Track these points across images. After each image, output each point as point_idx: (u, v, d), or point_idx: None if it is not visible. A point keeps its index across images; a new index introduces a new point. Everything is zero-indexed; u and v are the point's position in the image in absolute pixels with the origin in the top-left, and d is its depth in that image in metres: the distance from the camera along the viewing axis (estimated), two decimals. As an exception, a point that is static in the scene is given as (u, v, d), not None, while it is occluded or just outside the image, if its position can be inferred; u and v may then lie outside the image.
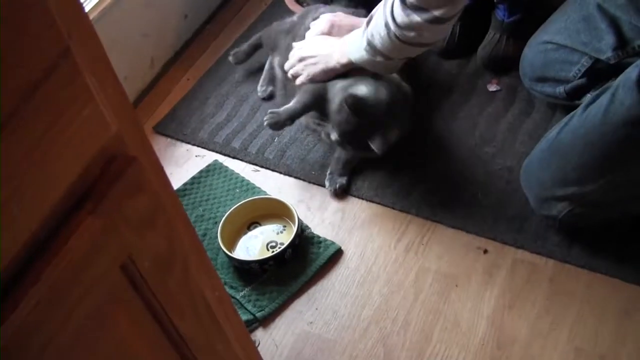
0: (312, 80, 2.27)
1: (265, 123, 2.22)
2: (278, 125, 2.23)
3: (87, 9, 2.46)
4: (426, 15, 1.90)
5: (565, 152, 1.98)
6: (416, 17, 1.91)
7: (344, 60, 2.19)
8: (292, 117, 2.22)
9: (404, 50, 2.04)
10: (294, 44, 2.37)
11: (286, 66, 2.35)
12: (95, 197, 0.88)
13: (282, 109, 2.22)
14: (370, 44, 2.07)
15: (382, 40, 2.03)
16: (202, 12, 3.00)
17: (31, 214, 0.80)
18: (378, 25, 2.02)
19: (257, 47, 2.67)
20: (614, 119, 1.85)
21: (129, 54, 2.64)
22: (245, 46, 2.69)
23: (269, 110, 2.22)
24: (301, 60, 2.29)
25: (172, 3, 2.85)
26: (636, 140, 1.85)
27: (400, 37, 1.98)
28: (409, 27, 1.94)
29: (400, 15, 1.93)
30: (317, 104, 2.24)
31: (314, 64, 2.26)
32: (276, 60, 2.50)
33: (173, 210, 1.05)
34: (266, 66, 2.63)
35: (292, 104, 2.23)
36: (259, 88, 2.64)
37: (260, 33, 2.67)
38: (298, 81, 2.30)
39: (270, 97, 2.61)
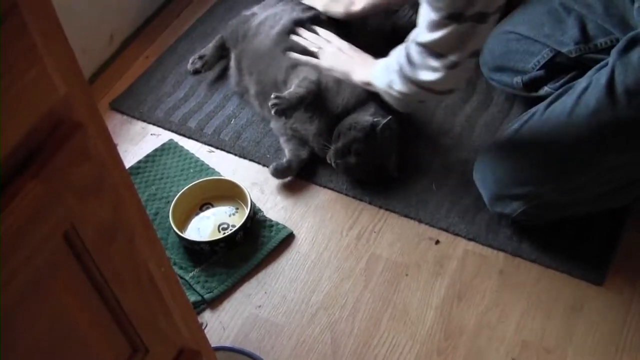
0: (322, 69, 2.31)
1: (272, 110, 2.16)
2: (287, 111, 2.17)
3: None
4: (440, 61, 1.86)
5: (524, 151, 1.98)
6: (431, 61, 1.87)
7: (366, 80, 2.19)
8: (300, 103, 2.18)
9: (419, 95, 2.00)
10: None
11: (313, 38, 2.38)
12: (39, 161, 0.86)
13: (286, 94, 2.17)
14: (390, 86, 2.05)
15: (401, 84, 2.01)
16: (165, -10, 2.97)
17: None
18: (392, 67, 2.02)
19: (221, 48, 2.61)
20: (578, 121, 1.86)
21: (88, 27, 2.59)
22: (210, 50, 2.63)
23: (274, 95, 2.16)
24: (339, 50, 2.32)
25: (135, -21, 2.82)
26: (599, 143, 1.86)
27: (414, 81, 1.95)
28: (422, 68, 1.91)
29: (416, 57, 1.90)
30: (318, 93, 2.23)
31: (343, 62, 2.29)
32: (243, 63, 2.47)
33: (119, 180, 1.03)
34: (214, 42, 2.62)
35: (296, 89, 2.20)
36: (190, 60, 2.63)
37: (222, 33, 2.63)
38: (303, 60, 2.33)
39: (197, 72, 2.61)
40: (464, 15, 1.73)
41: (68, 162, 0.89)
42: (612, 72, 1.81)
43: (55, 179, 0.87)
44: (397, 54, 1.99)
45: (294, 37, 2.37)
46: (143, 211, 1.14)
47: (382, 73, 2.08)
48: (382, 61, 2.11)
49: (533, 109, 2.00)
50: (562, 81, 2.13)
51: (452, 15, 1.73)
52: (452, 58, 1.82)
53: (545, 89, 2.18)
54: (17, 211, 0.83)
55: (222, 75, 2.59)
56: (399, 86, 2.00)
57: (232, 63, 2.51)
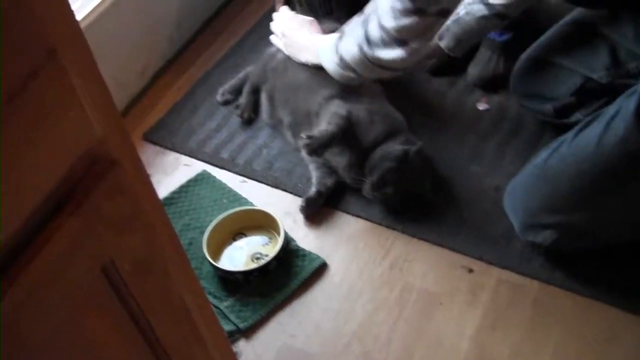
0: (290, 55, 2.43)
1: (304, 150, 2.18)
2: (319, 150, 2.19)
3: (81, 15, 2.45)
4: (403, 45, 1.92)
5: (553, 179, 1.98)
6: (393, 44, 1.94)
7: (314, 60, 2.28)
8: (332, 140, 2.19)
9: (375, 72, 2.08)
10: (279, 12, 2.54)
11: (273, 29, 2.51)
12: (76, 198, 0.88)
13: (317, 132, 2.18)
14: (342, 59, 2.10)
15: (355, 59, 2.06)
16: (196, 22, 3.00)
17: (12, 214, 0.80)
18: (350, 43, 2.06)
19: (253, 91, 2.62)
20: (607, 149, 1.85)
21: (121, 60, 2.63)
22: (245, 96, 2.64)
23: (305, 135, 2.18)
24: (283, 35, 2.45)
25: (166, 11, 2.85)
26: (628, 171, 1.85)
27: (373, 60, 2.01)
28: (384, 50, 1.97)
29: (377, 38, 1.95)
30: (349, 129, 2.24)
31: (290, 46, 2.41)
32: (274, 98, 2.50)
33: (154, 214, 1.04)
34: (247, 89, 2.63)
35: (327, 126, 2.20)
36: (220, 91, 2.68)
37: (248, 70, 2.67)
38: (277, 44, 2.49)
39: (226, 103, 2.66)
40: (428, 11, 1.80)
41: (104, 198, 0.90)
42: None
43: (93, 215, 0.89)
44: (353, 32, 2.06)
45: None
46: (178, 243, 1.16)
47: (330, 51, 2.16)
48: (328, 39, 2.19)
49: (562, 137, 1.99)
50: (593, 107, 2.12)
51: (418, 9, 1.79)
52: (413, 45, 1.90)
53: (577, 116, 2.17)
54: (56, 247, 0.84)
55: (254, 106, 2.60)
56: (354, 63, 2.08)
57: (264, 98, 2.53)
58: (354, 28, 2.05)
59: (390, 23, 1.87)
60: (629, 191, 1.89)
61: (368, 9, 2.00)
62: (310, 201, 2.27)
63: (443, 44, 2.19)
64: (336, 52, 2.11)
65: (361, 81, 2.22)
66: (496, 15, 2.12)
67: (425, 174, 2.26)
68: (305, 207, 2.27)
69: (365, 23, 1.98)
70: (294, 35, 2.39)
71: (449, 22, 2.15)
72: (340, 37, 2.11)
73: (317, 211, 2.29)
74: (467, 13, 2.14)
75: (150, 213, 1.02)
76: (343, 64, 2.10)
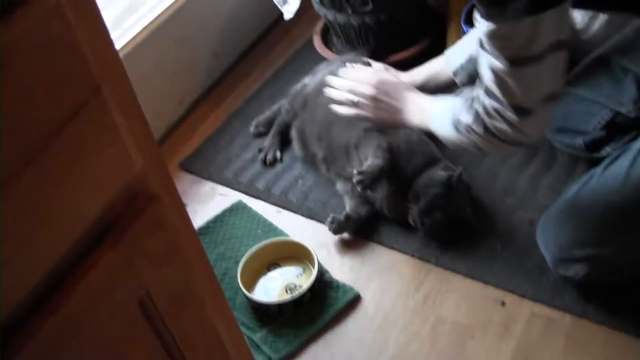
0: (373, 122, 2.28)
1: (358, 187, 2.19)
2: (372, 185, 2.21)
3: (121, 44, 2.50)
4: (513, 110, 1.76)
5: (583, 213, 1.98)
6: (504, 111, 1.77)
7: (424, 126, 2.12)
8: (382, 174, 2.21)
9: (492, 145, 1.90)
10: (370, 68, 2.42)
11: (351, 90, 2.27)
12: (116, 232, 0.90)
13: (367, 167, 2.20)
14: (462, 127, 1.93)
15: (474, 131, 1.89)
16: (233, 52, 3.04)
17: (53, 246, 0.82)
18: (468, 114, 1.90)
19: (280, 134, 2.64)
20: (635, 181, 1.85)
21: (159, 89, 2.67)
22: (268, 114, 2.71)
23: (356, 171, 2.19)
24: (374, 100, 2.21)
25: (204, 42, 2.89)
26: None
27: (492, 130, 1.84)
28: (500, 120, 1.81)
29: (489, 107, 1.81)
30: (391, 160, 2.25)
31: (386, 110, 2.21)
32: (307, 130, 2.51)
33: (192, 248, 1.06)
34: (273, 131, 2.64)
35: (374, 160, 2.22)
36: (253, 123, 2.70)
37: (282, 103, 2.67)
38: (351, 112, 2.26)
39: (259, 135, 2.68)
40: (522, 58, 1.68)
41: (143, 233, 0.92)
42: None
43: (132, 249, 0.91)
44: (466, 102, 1.90)
45: (329, 91, 2.34)
46: (213, 276, 1.18)
47: (444, 120, 2.00)
48: (440, 108, 2.05)
49: (592, 171, 2.00)
50: (623, 141, 2.13)
51: (510, 60, 1.68)
52: (525, 104, 1.74)
53: (607, 149, 2.17)
54: (94, 280, 0.86)
55: (289, 137, 2.62)
56: (470, 135, 1.90)
57: (294, 133, 2.55)
58: (467, 96, 1.93)
59: (497, 89, 1.75)
60: None
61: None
62: (337, 221, 2.29)
63: (457, 80, 2.20)
64: (453, 120, 1.95)
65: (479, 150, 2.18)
66: None
67: (467, 199, 2.28)
68: (331, 223, 2.29)
69: (475, 95, 1.86)
70: (393, 97, 2.21)
71: (463, 61, 2.16)
72: (457, 105, 1.96)
73: (342, 232, 2.31)
74: None
75: (188, 246, 1.04)
76: (464, 133, 1.94)
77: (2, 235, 0.74)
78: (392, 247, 2.27)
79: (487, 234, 2.26)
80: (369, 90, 2.22)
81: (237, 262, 2.20)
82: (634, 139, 2.04)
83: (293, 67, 2.96)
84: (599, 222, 1.95)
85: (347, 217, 2.30)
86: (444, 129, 2.01)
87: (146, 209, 0.93)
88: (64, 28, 0.79)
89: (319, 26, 3.05)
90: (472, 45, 2.14)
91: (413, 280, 2.19)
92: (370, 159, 2.23)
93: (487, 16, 1.64)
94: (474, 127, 1.85)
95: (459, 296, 2.13)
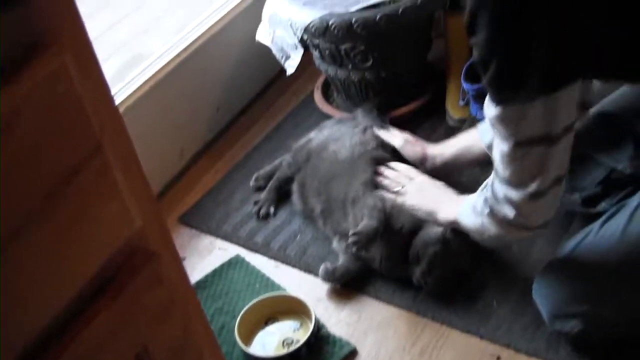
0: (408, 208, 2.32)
1: (354, 248, 2.21)
2: (367, 246, 2.23)
3: (123, 96, 2.53)
4: (522, 192, 1.81)
5: (580, 269, 2.00)
6: (513, 193, 1.83)
7: (453, 219, 2.17)
8: (377, 235, 2.22)
9: (514, 234, 1.96)
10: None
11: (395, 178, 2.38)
12: (115, 287, 0.91)
13: (362, 229, 2.21)
14: (482, 227, 2.01)
15: (489, 225, 1.96)
16: (234, 106, 3.07)
17: (54, 299, 0.84)
18: (478, 204, 1.99)
19: (279, 188, 2.66)
20: (631, 239, 1.87)
21: (160, 142, 2.70)
22: (268, 168, 2.74)
23: (351, 232, 2.21)
24: (411, 184, 2.34)
25: (205, 95, 2.93)
26: None
27: (508, 221, 1.90)
28: (506, 203, 1.86)
29: (500, 194, 1.87)
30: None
31: (419, 202, 2.29)
32: (307, 186, 2.53)
33: (190, 304, 1.08)
34: (271, 185, 2.67)
35: (369, 221, 2.24)
36: (254, 177, 2.72)
37: (283, 158, 2.70)
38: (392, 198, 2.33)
39: (259, 189, 2.69)
40: (531, 140, 1.72)
41: (142, 288, 0.94)
42: None
43: (130, 303, 0.93)
44: (483, 193, 1.96)
45: (378, 179, 2.40)
46: (210, 331, 1.19)
47: (470, 213, 2.05)
48: (468, 200, 2.09)
49: (588, 228, 2.02)
50: (618, 197, 2.15)
51: (520, 142, 1.73)
52: (533, 186, 1.78)
53: (603, 205, 2.20)
54: (93, 333, 0.88)
55: (289, 191, 2.63)
56: (492, 229, 1.96)
57: (295, 187, 2.57)
58: (484, 192, 1.98)
59: (507, 172, 1.80)
60: None
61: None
62: (327, 270, 2.32)
63: (484, 141, 2.24)
64: (473, 216, 2.04)
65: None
66: None
67: (467, 252, 2.28)
68: (322, 271, 2.32)
69: (491, 186, 1.91)
70: (433, 187, 2.33)
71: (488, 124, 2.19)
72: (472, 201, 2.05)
73: (332, 282, 2.34)
74: None
75: (186, 302, 1.06)
76: (478, 229, 2.04)
77: (3, 290, 0.76)
78: (388, 302, 2.28)
79: (484, 290, 2.27)
80: (418, 179, 2.36)
81: (234, 317, 2.21)
82: (630, 194, 2.06)
83: (294, 121, 2.99)
84: (595, 279, 1.96)
85: (335, 269, 2.33)
86: (471, 223, 2.06)
87: (145, 265, 0.95)
88: (67, 88, 0.81)
89: (320, 81, 3.09)
90: None
91: (409, 335, 2.19)
92: (365, 220, 2.25)
93: (498, 100, 1.67)
94: (487, 216, 1.93)
95: (455, 351, 2.14)
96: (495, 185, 1.86)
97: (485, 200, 1.92)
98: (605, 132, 2.26)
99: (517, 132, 1.71)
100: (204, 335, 1.14)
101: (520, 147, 1.73)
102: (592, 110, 2.33)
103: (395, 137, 2.53)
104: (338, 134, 2.56)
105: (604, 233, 1.96)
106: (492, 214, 1.91)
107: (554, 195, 1.83)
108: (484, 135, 2.21)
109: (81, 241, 0.85)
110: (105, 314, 0.90)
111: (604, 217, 2.00)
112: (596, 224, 2.00)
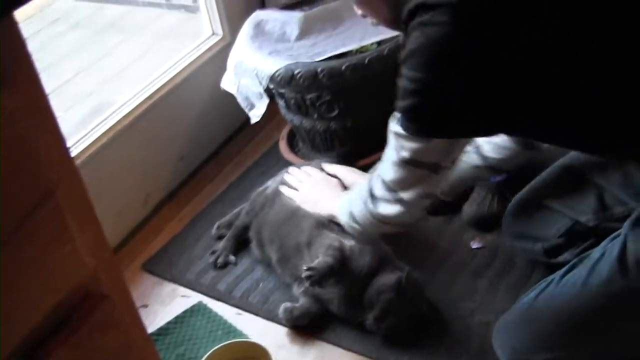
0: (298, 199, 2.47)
1: (307, 282, 2.22)
2: (321, 281, 2.22)
3: (86, 144, 2.53)
4: (395, 196, 1.98)
5: (539, 318, 2.01)
6: (388, 195, 1.99)
7: (331, 212, 2.33)
8: (331, 272, 2.23)
9: (377, 227, 2.12)
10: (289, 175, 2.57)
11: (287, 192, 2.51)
12: (67, 330, 0.91)
13: (317, 264, 2.22)
14: (351, 214, 2.17)
15: (361, 215, 2.13)
16: (199, 155, 3.09)
17: (4, 339, 0.84)
18: (357, 200, 2.13)
19: (238, 237, 2.69)
20: (591, 290, 1.88)
21: (124, 190, 2.71)
22: (230, 217, 2.76)
23: (305, 267, 2.22)
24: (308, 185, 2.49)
25: (170, 143, 2.94)
26: (612, 312, 1.88)
27: (375, 216, 2.06)
28: (383, 202, 2.02)
29: (379, 194, 2.02)
30: (342, 261, 2.28)
31: (311, 197, 2.46)
32: (264, 235, 2.55)
33: (145, 349, 1.07)
34: (230, 234, 2.69)
35: (325, 258, 2.25)
36: (215, 225, 2.74)
37: (244, 205, 2.72)
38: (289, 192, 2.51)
39: (221, 238, 2.71)
40: (421, 163, 1.86)
41: (96, 331, 0.94)
42: (625, 242, 1.85)
43: (83, 346, 0.93)
44: (361, 189, 2.11)
45: (285, 176, 2.55)
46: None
47: (346, 206, 2.21)
48: (347, 194, 2.26)
49: (549, 278, 2.03)
50: (580, 248, 2.17)
51: (410, 161, 1.86)
52: (406, 196, 1.94)
53: (565, 256, 2.21)
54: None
55: (234, 251, 2.66)
56: (360, 218, 2.13)
57: (252, 234, 2.58)
58: (360, 186, 2.13)
59: (388, 176, 1.94)
60: (612, 332, 1.91)
61: (374, 168, 2.08)
62: (285, 311, 2.35)
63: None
64: (349, 207, 2.19)
65: (366, 236, 2.29)
66: (488, 167, 2.27)
67: (422, 296, 2.30)
68: (282, 312, 2.35)
69: (370, 181, 2.06)
70: (324, 184, 2.49)
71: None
72: (351, 195, 2.21)
73: (292, 324, 2.35)
74: (462, 161, 2.24)
75: (141, 347, 1.06)
76: (352, 219, 2.17)
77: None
78: (349, 349, 2.28)
79: (445, 337, 2.27)
80: (315, 176, 2.54)
81: (196, 363, 2.21)
82: (592, 246, 2.07)
83: (259, 170, 3.00)
84: (554, 328, 1.97)
85: (294, 309, 2.34)
86: (345, 215, 2.23)
87: (98, 308, 0.95)
88: (20, 135, 0.82)
89: (285, 131, 3.10)
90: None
91: (369, 383, 2.20)
92: (321, 257, 2.26)
93: (404, 127, 1.80)
94: (364, 209, 2.08)
95: (416, 398, 2.14)
96: (375, 184, 2.01)
97: (364, 198, 2.07)
98: (569, 185, 2.28)
99: (411, 152, 1.85)
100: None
101: (408, 164, 1.88)
102: (557, 163, 2.37)
103: (340, 168, 2.59)
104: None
105: (565, 284, 1.97)
106: (367, 209, 2.06)
107: (422, 205, 2.01)
108: None
109: (34, 282, 0.86)
110: (57, 356, 0.89)
111: (565, 268, 2.01)
112: (557, 274, 2.02)
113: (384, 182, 1.98)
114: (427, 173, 1.87)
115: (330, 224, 2.38)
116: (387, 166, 1.95)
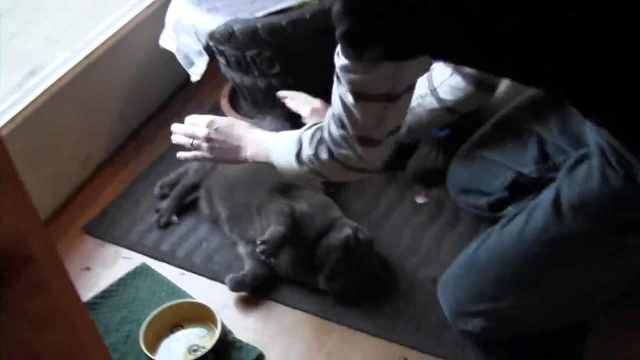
0: (215, 161, 2.37)
1: (261, 256, 2.19)
2: (275, 253, 2.20)
3: (21, 106, 2.47)
4: (358, 139, 1.86)
5: (480, 269, 2.01)
6: (350, 139, 1.86)
7: (260, 158, 2.20)
8: (284, 241, 2.21)
9: (341, 173, 2.00)
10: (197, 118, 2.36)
11: (186, 133, 2.34)
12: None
13: (269, 236, 2.19)
14: (307, 159, 2.00)
15: (322, 161, 1.96)
16: (140, 115, 3.05)
17: None
18: (314, 142, 1.98)
19: (181, 197, 2.64)
20: (528, 238, 1.89)
21: (63, 153, 2.66)
22: (173, 176, 2.71)
23: (258, 241, 2.19)
24: (208, 140, 2.27)
25: (109, 104, 2.89)
26: (549, 259, 1.89)
27: (338, 157, 1.93)
28: (345, 147, 1.89)
29: (336, 135, 1.89)
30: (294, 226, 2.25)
31: (223, 148, 2.26)
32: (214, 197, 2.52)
33: (75, 313, 1.05)
34: (175, 193, 2.64)
35: (276, 228, 2.22)
36: (158, 184, 2.70)
37: (188, 166, 2.67)
38: (190, 156, 2.34)
39: (163, 197, 2.66)
40: (373, 95, 1.75)
41: (22, 295, 0.91)
42: (558, 189, 1.87)
43: (7, 312, 0.90)
44: (314, 134, 1.99)
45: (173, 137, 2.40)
46: (101, 342, 1.16)
47: (286, 153, 2.07)
48: (281, 140, 2.13)
49: (491, 229, 2.04)
50: (525, 201, 2.17)
51: (362, 95, 1.75)
52: (372, 135, 1.84)
53: (510, 210, 2.22)
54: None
55: (194, 199, 2.61)
56: (322, 169, 1.99)
57: (202, 193, 2.55)
58: (319, 126, 2.01)
59: (344, 116, 1.83)
60: (550, 278, 1.92)
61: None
62: (234, 280, 2.30)
63: None
64: (296, 152, 2.03)
65: (321, 180, 2.25)
66: (446, 110, 2.23)
67: (371, 253, 2.30)
68: (229, 282, 2.30)
69: (327, 122, 1.94)
70: (227, 134, 2.26)
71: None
72: (304, 136, 2.03)
73: (240, 291, 2.32)
74: (419, 105, 2.22)
75: (72, 312, 1.03)
76: (307, 164, 2.01)
77: None
78: (295, 307, 2.28)
79: (390, 293, 2.27)
80: (201, 132, 2.28)
81: (140, 325, 2.18)
82: (535, 199, 2.08)
83: (200, 129, 2.96)
84: (494, 277, 1.98)
85: (244, 277, 2.31)
86: (284, 161, 2.09)
87: (22, 270, 0.92)
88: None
89: (227, 88, 3.07)
90: None
91: (316, 339, 2.19)
92: (272, 226, 2.23)
93: (345, 54, 1.68)
94: (321, 155, 1.94)
95: (362, 355, 2.14)
96: (334, 131, 1.89)
97: (320, 141, 1.95)
98: (510, 136, 2.28)
99: (360, 86, 1.73)
100: (94, 346, 1.11)
101: (361, 100, 1.76)
102: (497, 116, 2.36)
103: (302, 107, 2.54)
104: None
105: (504, 233, 1.98)
106: (331, 157, 1.93)
107: (388, 144, 1.89)
108: None
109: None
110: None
111: (506, 218, 2.02)
112: (498, 225, 2.02)
113: (343, 125, 1.84)
114: (384, 104, 1.76)
115: (285, 189, 2.36)
116: (343, 111, 1.82)
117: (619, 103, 1.63)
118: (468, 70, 2.16)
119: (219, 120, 2.30)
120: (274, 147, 2.14)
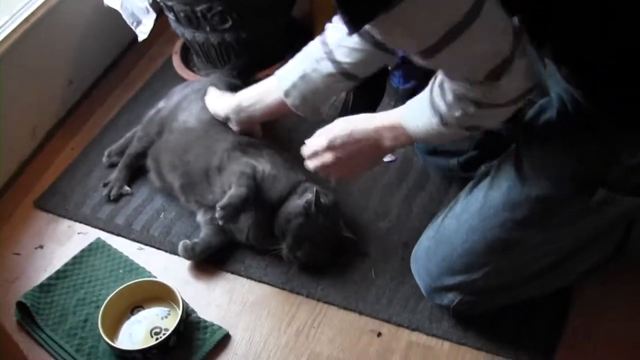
0: (357, 175, 2.12)
1: (221, 222, 2.07)
2: (234, 217, 2.09)
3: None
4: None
5: (449, 240, 1.92)
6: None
7: (401, 141, 1.88)
8: (245, 204, 2.09)
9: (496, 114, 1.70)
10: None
11: (315, 167, 2.00)
12: None
13: (229, 200, 2.07)
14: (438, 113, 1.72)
15: (466, 114, 1.67)
16: (88, 78, 2.91)
17: None
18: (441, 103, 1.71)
19: (130, 167, 2.50)
20: (493, 203, 1.82)
21: (9, 122, 2.51)
22: (121, 142, 2.58)
23: (218, 207, 2.06)
24: (339, 160, 1.94)
25: (54, 69, 2.75)
26: (514, 224, 1.81)
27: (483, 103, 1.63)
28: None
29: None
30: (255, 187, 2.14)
31: (359, 157, 1.95)
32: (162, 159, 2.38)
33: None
34: (122, 163, 2.50)
35: (237, 190, 2.10)
36: (106, 152, 2.57)
37: (136, 129, 2.54)
38: (321, 173, 2.03)
39: (113, 166, 2.54)
40: (453, 28, 1.41)
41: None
42: (518, 149, 1.80)
43: None
44: (439, 92, 1.69)
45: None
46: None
47: (423, 121, 1.76)
48: (410, 111, 1.83)
49: (457, 196, 1.95)
50: (498, 159, 2.07)
51: (447, 35, 1.41)
52: (493, 64, 1.51)
53: (482, 169, 2.12)
54: None
55: (145, 166, 2.48)
56: (464, 118, 1.66)
57: (150, 163, 2.42)
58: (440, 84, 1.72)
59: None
60: (518, 243, 1.84)
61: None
62: (185, 247, 2.21)
63: (289, 102, 2.08)
64: (438, 116, 1.72)
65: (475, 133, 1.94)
66: (344, 74, 2.02)
67: (335, 215, 2.19)
68: (181, 252, 2.21)
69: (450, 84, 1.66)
70: (354, 135, 1.92)
71: (296, 78, 2.04)
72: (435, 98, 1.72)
73: (193, 260, 2.23)
74: (314, 70, 2.03)
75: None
76: (455, 125, 1.70)
77: None
78: (261, 281, 2.18)
79: (360, 261, 2.18)
80: (327, 158, 1.96)
81: (98, 307, 2.07)
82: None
83: (152, 90, 2.83)
84: (464, 247, 1.89)
85: (195, 245, 2.21)
86: (430, 135, 1.79)
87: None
88: None
89: (178, 45, 2.96)
90: (304, 63, 2.04)
91: (284, 314, 2.09)
92: (233, 188, 2.12)
93: (360, 19, 1.42)
94: (468, 110, 1.64)
95: (334, 329, 2.05)
96: (459, 86, 1.61)
97: (458, 98, 1.64)
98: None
99: (427, 34, 1.44)
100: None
101: (451, 40, 1.44)
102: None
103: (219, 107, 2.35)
104: (185, 101, 2.43)
105: (469, 199, 1.91)
106: (476, 105, 1.62)
107: (519, 56, 1.55)
108: (283, 81, 2.09)
109: None
110: None
111: (470, 184, 1.95)
112: (463, 192, 1.95)
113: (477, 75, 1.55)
114: (468, 28, 1.41)
115: (245, 148, 2.25)
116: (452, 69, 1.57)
117: (573, 33, 1.53)
118: (367, 27, 1.81)
119: (333, 133, 1.95)
120: (407, 125, 1.83)
